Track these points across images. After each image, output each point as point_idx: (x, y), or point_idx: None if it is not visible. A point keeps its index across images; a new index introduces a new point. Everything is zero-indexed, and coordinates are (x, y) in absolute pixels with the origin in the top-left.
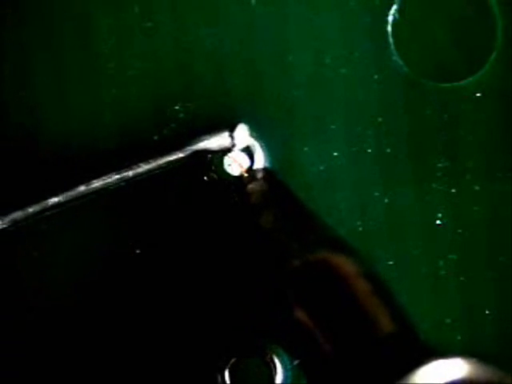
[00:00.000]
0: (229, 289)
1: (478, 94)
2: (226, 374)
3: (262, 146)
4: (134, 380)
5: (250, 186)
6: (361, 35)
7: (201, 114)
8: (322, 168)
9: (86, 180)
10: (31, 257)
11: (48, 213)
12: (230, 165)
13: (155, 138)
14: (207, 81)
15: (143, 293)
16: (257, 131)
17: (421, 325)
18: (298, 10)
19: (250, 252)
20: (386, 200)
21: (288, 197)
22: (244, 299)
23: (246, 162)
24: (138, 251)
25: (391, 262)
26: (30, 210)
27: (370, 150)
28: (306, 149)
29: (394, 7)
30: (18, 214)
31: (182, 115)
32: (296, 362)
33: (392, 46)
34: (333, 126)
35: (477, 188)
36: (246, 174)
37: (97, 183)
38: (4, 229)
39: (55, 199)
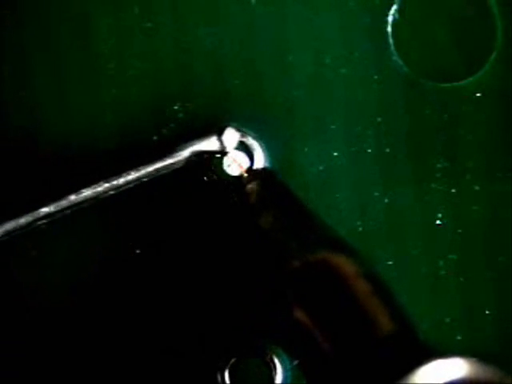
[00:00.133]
0: (229, 289)
1: (478, 94)
2: (226, 374)
3: (261, 146)
4: (134, 380)
5: (250, 186)
6: (361, 35)
7: (200, 114)
8: (321, 168)
9: (77, 188)
10: (29, 257)
11: (42, 221)
12: (229, 165)
13: (154, 137)
14: (207, 81)
15: (143, 293)
16: (257, 131)
17: (420, 325)
18: (297, 10)
19: (249, 252)
20: (386, 200)
21: (288, 197)
22: (244, 299)
23: (246, 162)
24: (137, 251)
25: (391, 262)
26: (22, 220)
27: (369, 150)
28: (305, 149)
29: (394, 7)
30: (10, 225)
31: (181, 115)
32: (296, 362)
33: (392, 46)
34: (333, 126)
35: (477, 188)
36: (245, 174)
37: (87, 191)
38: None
39: (47, 209)
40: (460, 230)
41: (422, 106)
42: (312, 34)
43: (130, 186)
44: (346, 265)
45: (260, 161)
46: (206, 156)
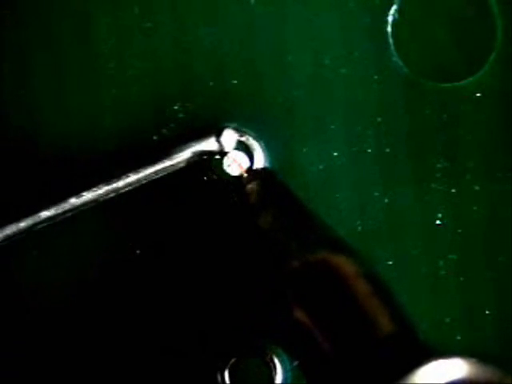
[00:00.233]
0: (228, 289)
1: (478, 94)
2: (226, 374)
3: (261, 146)
4: (134, 380)
5: (250, 186)
6: (360, 35)
7: (200, 114)
8: (321, 168)
9: (77, 190)
10: (29, 259)
11: (43, 225)
12: (229, 165)
13: (154, 137)
14: (207, 81)
15: (144, 294)
16: (257, 131)
17: (420, 325)
18: (297, 10)
19: (249, 252)
20: (386, 200)
21: (288, 197)
22: (243, 299)
23: (246, 162)
24: (138, 251)
25: (391, 262)
26: (23, 224)
27: (369, 150)
28: (305, 149)
29: (394, 7)
30: (10, 229)
31: (181, 115)
32: (296, 363)
33: (392, 47)
34: (333, 126)
35: (477, 188)
36: (245, 174)
37: (88, 194)
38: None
39: (47, 212)
40: (460, 230)
41: (422, 106)
42: (312, 34)
43: (130, 188)
44: (345, 265)
45: (260, 161)
46: (205, 157)
